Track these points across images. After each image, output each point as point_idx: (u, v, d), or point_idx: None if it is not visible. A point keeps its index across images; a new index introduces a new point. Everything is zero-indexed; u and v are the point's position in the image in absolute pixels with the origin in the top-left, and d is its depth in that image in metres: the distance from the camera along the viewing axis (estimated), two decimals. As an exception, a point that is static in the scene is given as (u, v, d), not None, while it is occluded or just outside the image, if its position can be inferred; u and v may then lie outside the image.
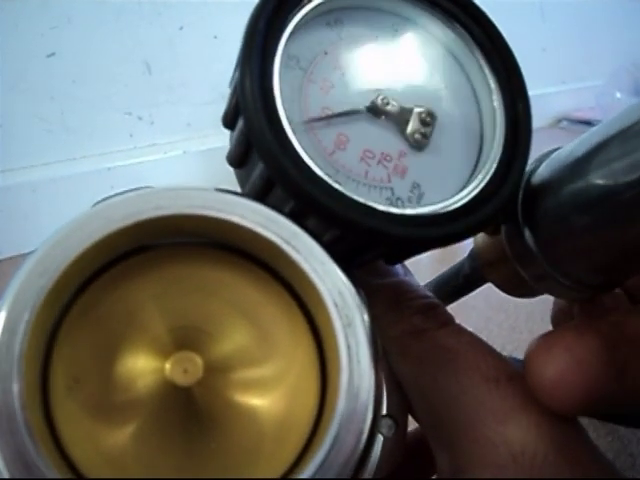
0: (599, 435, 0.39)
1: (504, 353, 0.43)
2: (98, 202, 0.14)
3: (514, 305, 0.54)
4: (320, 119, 0.18)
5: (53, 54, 0.70)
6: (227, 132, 0.19)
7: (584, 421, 0.40)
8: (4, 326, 0.12)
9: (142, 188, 0.15)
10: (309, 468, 0.12)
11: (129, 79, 0.77)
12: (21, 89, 0.69)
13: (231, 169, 0.20)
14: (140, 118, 0.80)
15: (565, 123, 1.29)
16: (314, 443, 0.14)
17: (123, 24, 0.74)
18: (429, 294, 0.21)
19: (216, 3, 0.79)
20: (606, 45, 1.31)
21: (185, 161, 0.81)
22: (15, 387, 0.12)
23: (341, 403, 0.13)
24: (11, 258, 0.69)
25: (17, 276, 0.13)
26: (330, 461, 0.13)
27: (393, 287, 0.21)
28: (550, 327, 0.23)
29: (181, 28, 0.79)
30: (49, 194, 0.71)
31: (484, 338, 0.46)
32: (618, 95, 1.13)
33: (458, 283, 0.27)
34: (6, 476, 0.11)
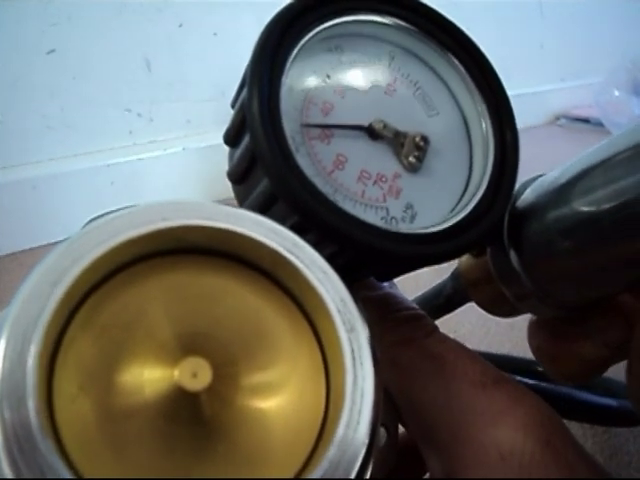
0: (596, 433, 0.39)
1: (502, 351, 0.43)
2: (94, 218, 0.15)
3: (512, 303, 0.54)
4: (323, 126, 0.19)
5: (53, 51, 0.70)
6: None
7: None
8: (16, 335, 0.12)
9: (132, 206, 0.15)
10: (317, 471, 0.13)
11: (129, 76, 0.77)
12: (21, 86, 0.69)
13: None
14: (139, 115, 0.80)
15: (563, 121, 1.29)
16: (321, 447, 0.14)
17: (123, 21, 0.74)
18: (414, 305, 0.22)
19: (216, 0, 0.79)
20: (605, 43, 1.31)
21: (184, 158, 0.81)
22: (30, 395, 0.12)
23: (347, 405, 0.14)
24: (11, 254, 0.69)
25: (26, 284, 0.13)
26: (336, 464, 0.13)
27: (380, 299, 0.22)
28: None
29: (181, 25, 0.79)
30: (49, 190, 0.71)
31: (482, 336, 0.46)
32: (616, 93, 1.13)
33: (439, 303, 0.28)
34: None
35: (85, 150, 0.76)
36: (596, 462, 0.18)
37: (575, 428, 0.39)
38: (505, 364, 0.38)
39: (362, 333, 0.15)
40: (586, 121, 1.23)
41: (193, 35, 0.80)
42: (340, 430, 0.13)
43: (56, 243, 0.14)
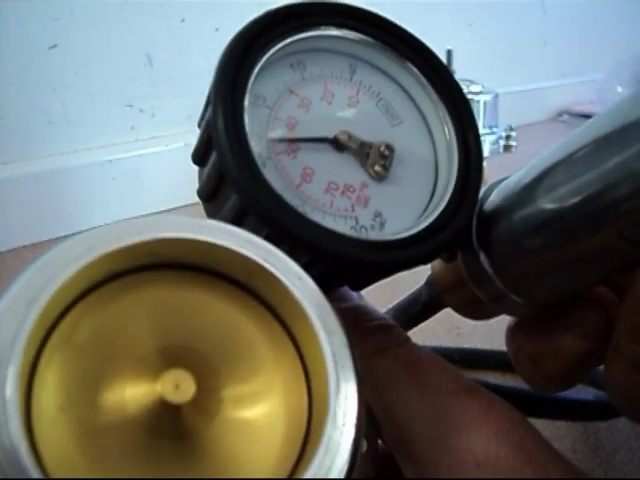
0: (598, 429, 0.39)
1: (504, 349, 0.43)
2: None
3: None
4: (288, 140, 0.19)
5: (55, 46, 0.70)
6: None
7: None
8: None
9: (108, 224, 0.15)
10: (308, 473, 0.13)
11: (130, 71, 0.77)
12: (22, 81, 0.69)
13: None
14: (141, 110, 0.80)
15: (566, 116, 1.29)
16: (307, 453, 0.14)
17: (125, 16, 0.74)
18: (385, 315, 0.23)
19: (217, -4, 0.79)
20: (607, 39, 1.30)
21: (186, 153, 0.80)
22: (12, 415, 0.12)
23: (332, 408, 0.14)
24: (13, 250, 0.69)
25: (1, 304, 0.13)
26: (321, 466, 0.13)
27: (350, 311, 0.22)
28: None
29: (182, 20, 0.79)
30: (50, 186, 0.71)
31: (484, 334, 0.46)
32: (619, 89, 1.13)
33: (417, 310, 0.28)
34: None
35: (87, 146, 0.76)
36: (570, 463, 0.18)
37: (576, 425, 0.39)
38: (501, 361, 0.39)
39: (341, 337, 0.15)
40: (588, 117, 1.22)
41: (195, 31, 0.80)
42: (327, 433, 0.13)
43: (58, 239, 0.14)
